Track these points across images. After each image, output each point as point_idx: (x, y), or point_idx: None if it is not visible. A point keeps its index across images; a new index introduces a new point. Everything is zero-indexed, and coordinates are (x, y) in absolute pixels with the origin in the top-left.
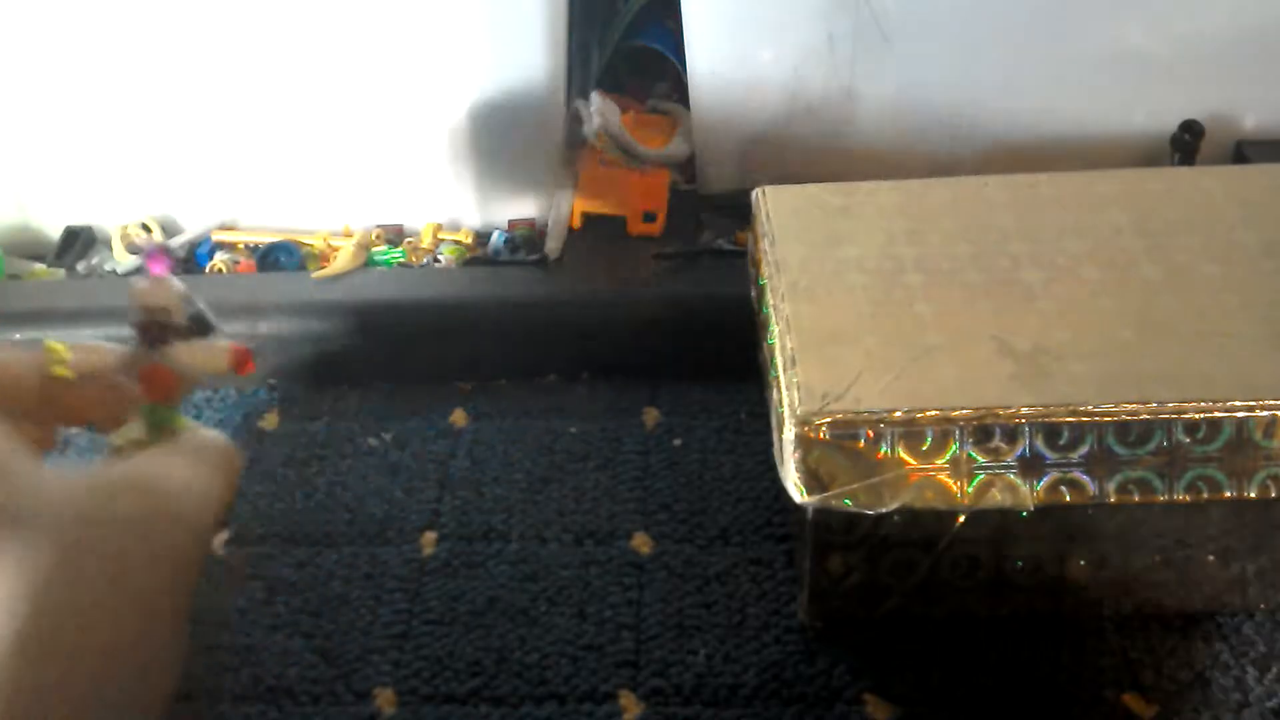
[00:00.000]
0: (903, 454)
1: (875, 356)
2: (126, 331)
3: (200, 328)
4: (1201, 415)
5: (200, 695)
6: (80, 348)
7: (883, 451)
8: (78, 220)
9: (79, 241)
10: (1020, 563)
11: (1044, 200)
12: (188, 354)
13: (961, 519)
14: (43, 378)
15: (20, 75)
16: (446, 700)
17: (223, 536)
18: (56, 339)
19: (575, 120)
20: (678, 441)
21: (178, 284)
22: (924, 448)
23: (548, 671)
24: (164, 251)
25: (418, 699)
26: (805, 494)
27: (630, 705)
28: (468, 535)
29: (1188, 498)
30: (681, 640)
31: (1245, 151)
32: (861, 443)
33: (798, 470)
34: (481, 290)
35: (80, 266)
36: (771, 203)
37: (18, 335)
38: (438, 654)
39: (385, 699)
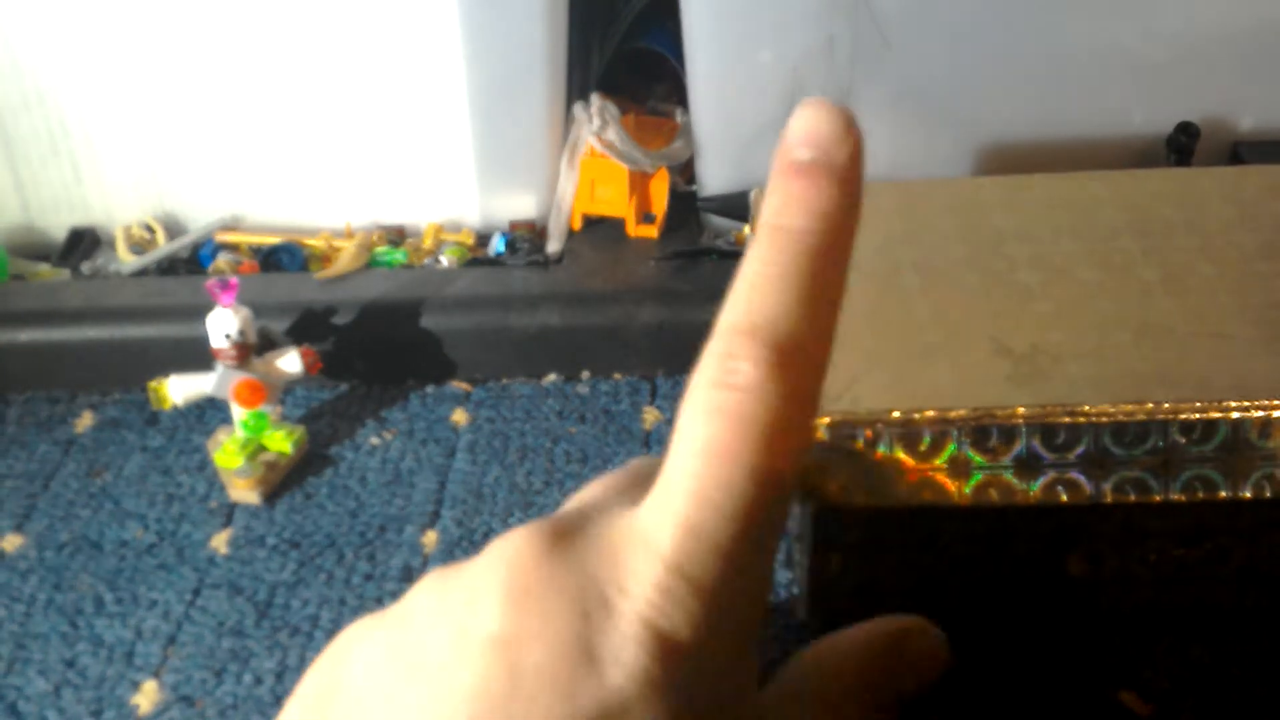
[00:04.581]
0: (901, 454)
1: (873, 357)
2: (135, 334)
3: (269, 341)
4: (1197, 416)
5: None
6: None
7: (881, 451)
8: (81, 221)
9: (83, 242)
10: (1018, 562)
11: (1041, 201)
12: (265, 365)
13: (960, 519)
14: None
15: (22, 78)
16: None
17: None
18: (61, 339)
19: (575, 122)
20: None
21: (245, 309)
22: (922, 448)
23: None
24: (229, 284)
25: None
26: (804, 494)
27: None
28: (469, 535)
29: (1183, 497)
30: None
31: (1241, 153)
32: (860, 443)
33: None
34: (482, 290)
35: (85, 267)
36: None
37: (24, 336)
38: None
39: None
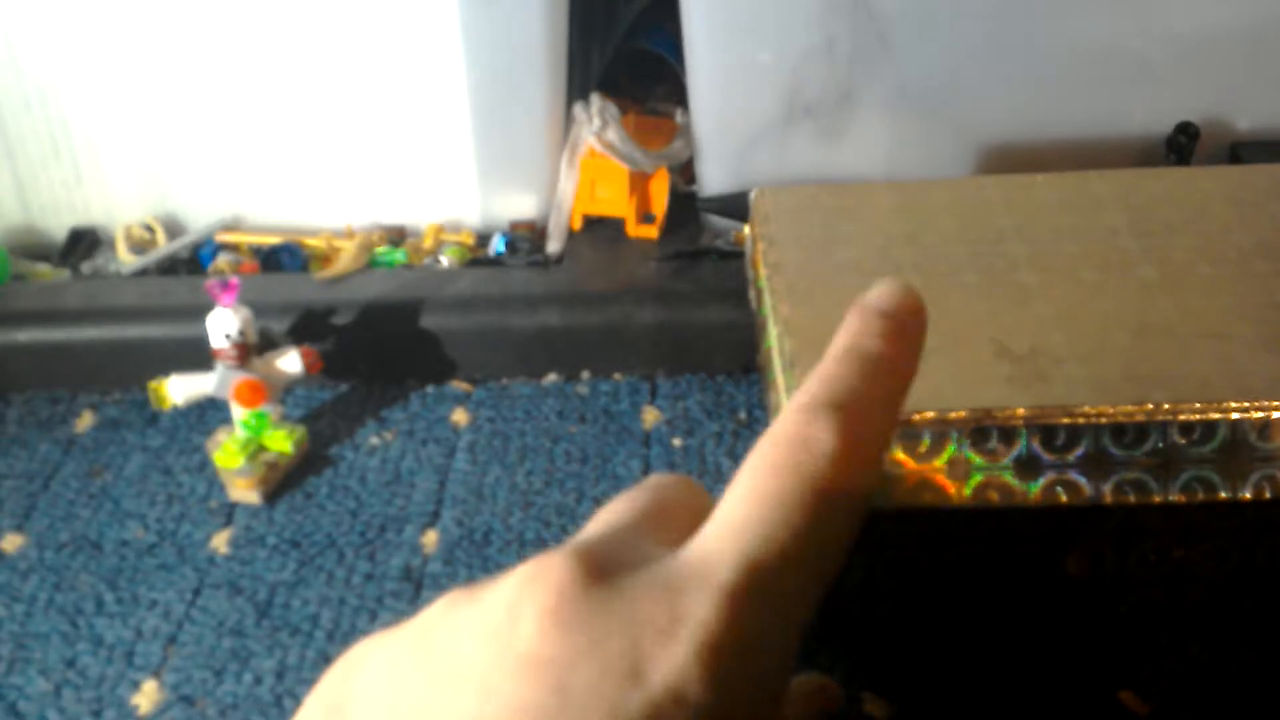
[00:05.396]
0: (900, 455)
1: None
2: (136, 334)
3: (269, 341)
4: (1197, 417)
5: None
6: None
7: None
8: (82, 221)
9: (83, 242)
10: (1018, 562)
11: (1041, 200)
12: (266, 365)
13: (959, 520)
14: None
15: (23, 78)
16: None
17: None
18: (62, 339)
19: (575, 122)
20: (678, 441)
21: (245, 309)
22: (921, 450)
23: None
24: (229, 284)
25: None
26: None
27: None
28: (469, 535)
29: (1183, 498)
30: None
31: (1240, 153)
32: None
33: None
34: (482, 290)
35: (85, 267)
36: (770, 203)
37: (24, 336)
38: None
39: None
